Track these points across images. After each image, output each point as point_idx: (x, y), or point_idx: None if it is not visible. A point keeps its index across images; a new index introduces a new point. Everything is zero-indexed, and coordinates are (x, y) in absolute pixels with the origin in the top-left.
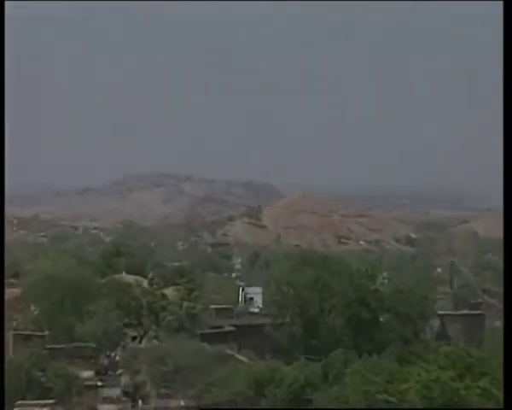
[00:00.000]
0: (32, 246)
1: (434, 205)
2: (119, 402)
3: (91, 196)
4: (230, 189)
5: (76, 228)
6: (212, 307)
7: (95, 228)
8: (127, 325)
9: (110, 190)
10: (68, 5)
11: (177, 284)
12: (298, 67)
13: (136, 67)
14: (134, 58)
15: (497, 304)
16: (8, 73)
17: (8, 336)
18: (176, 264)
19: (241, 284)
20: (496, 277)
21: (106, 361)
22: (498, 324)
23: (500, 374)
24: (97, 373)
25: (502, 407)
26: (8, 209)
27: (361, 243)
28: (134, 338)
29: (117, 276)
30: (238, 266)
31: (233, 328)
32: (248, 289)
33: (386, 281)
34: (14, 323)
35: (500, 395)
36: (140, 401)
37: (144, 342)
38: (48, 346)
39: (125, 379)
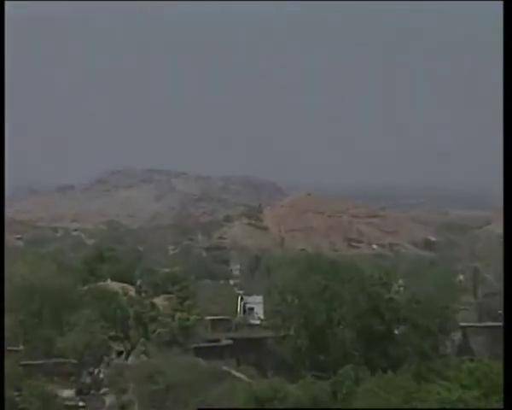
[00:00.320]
0: (6, 250)
1: (454, 204)
2: None
3: (73, 195)
4: (228, 186)
5: (55, 230)
6: (208, 318)
7: (76, 230)
8: (112, 339)
9: (94, 188)
10: (68, 5)
11: (168, 293)
12: (298, 66)
13: (134, 66)
14: (132, 56)
15: None
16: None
17: None
18: (167, 270)
19: (240, 292)
20: None
21: (88, 379)
22: None
23: None
24: (79, 392)
25: None
26: None
27: (373, 246)
28: (120, 353)
29: (101, 283)
30: (236, 273)
31: (231, 342)
32: (248, 299)
33: (401, 289)
34: None
35: None
36: None
37: (131, 357)
38: (23, 362)
39: (109, 399)
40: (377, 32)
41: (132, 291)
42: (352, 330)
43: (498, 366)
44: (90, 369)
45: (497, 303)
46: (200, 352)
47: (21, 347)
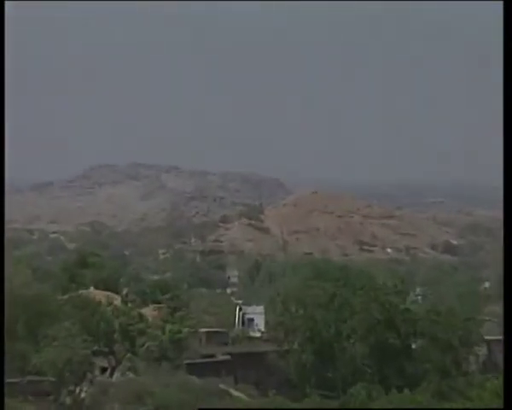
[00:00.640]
0: None
1: (476, 203)
2: None
3: (51, 193)
4: (225, 183)
5: (31, 232)
6: (202, 330)
7: (55, 232)
8: (95, 354)
9: (75, 185)
10: (68, 4)
11: (157, 302)
12: (299, 63)
13: (132, 63)
14: (129, 54)
15: None
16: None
17: None
18: (156, 277)
19: (239, 301)
20: None
21: (68, 399)
22: None
23: None
24: None
25: None
26: None
27: (388, 250)
28: (104, 370)
29: (83, 292)
30: (234, 280)
31: (228, 357)
32: (247, 309)
33: (419, 298)
34: None
35: None
36: None
37: (117, 374)
38: None
39: None
40: (377, 31)
41: (118, 301)
42: (363, 344)
43: None
44: (71, 388)
45: None
46: (193, 368)
47: None
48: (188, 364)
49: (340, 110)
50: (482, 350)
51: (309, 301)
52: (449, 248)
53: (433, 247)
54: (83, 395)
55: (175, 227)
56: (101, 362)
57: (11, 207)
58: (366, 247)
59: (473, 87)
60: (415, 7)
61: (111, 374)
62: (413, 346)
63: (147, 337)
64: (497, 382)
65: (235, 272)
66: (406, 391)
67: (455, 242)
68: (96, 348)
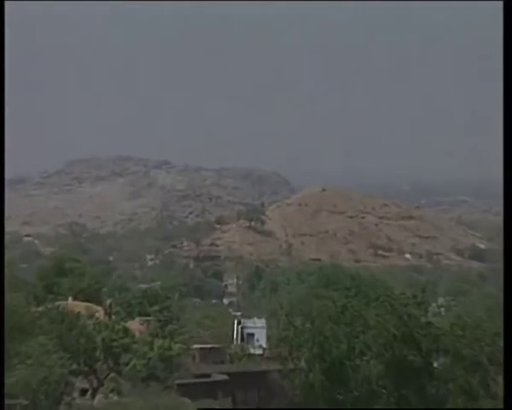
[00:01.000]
0: None
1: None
2: None
3: (24, 191)
4: (222, 180)
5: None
6: (196, 346)
7: (29, 235)
8: (74, 373)
9: (51, 182)
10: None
11: (145, 315)
12: (301, 60)
13: (123, 56)
14: (121, 47)
15: None
16: None
17: None
18: (144, 286)
19: (237, 313)
20: None
21: None
22: None
23: None
24: None
25: None
26: None
27: (407, 255)
28: (84, 392)
29: (60, 303)
30: (232, 289)
31: (225, 377)
32: (247, 322)
33: (442, 310)
34: None
35: None
36: None
37: (99, 396)
38: None
39: None
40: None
41: (100, 313)
42: (378, 362)
43: None
44: None
45: None
46: (186, 390)
47: None
48: (179, 384)
49: (351, 103)
50: None
51: (317, 313)
52: (476, 254)
53: (458, 252)
54: None
55: (165, 229)
56: (80, 383)
57: None
58: (381, 252)
59: (491, 84)
60: (414, 6)
61: (92, 396)
62: (435, 364)
63: (133, 355)
64: None
65: (233, 281)
66: None
67: (482, 246)
68: (75, 366)
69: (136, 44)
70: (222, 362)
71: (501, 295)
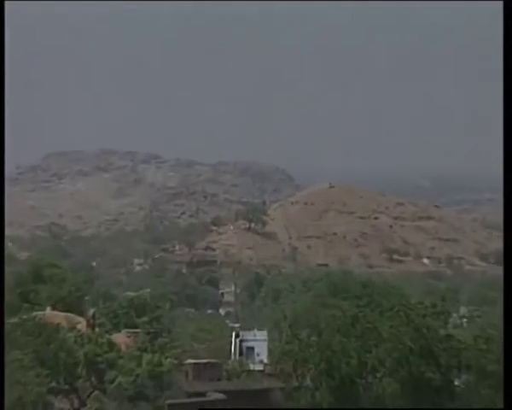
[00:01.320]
0: None
1: None
2: None
3: None
4: (219, 176)
5: None
6: (190, 361)
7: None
8: (53, 392)
9: (27, 178)
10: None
11: (132, 327)
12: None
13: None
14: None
15: None
16: None
17: None
18: (131, 294)
19: (235, 325)
20: None
21: None
22: None
23: None
24: None
25: None
26: None
27: (425, 260)
28: None
29: (37, 313)
30: (230, 298)
31: (222, 396)
32: (246, 335)
33: (465, 321)
34: None
35: None
36: None
37: None
38: None
39: None
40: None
41: (82, 324)
42: (393, 379)
43: None
44: None
45: None
46: None
47: None
48: (170, 405)
49: (351, 103)
50: None
51: (324, 324)
52: (502, 259)
53: (482, 256)
54: None
55: (155, 231)
56: (60, 403)
57: None
58: (396, 256)
59: (491, 84)
60: (414, 6)
61: None
62: (456, 382)
63: (119, 371)
64: None
65: (231, 288)
66: None
67: None
68: (53, 384)
69: (136, 44)
70: (218, 379)
71: None
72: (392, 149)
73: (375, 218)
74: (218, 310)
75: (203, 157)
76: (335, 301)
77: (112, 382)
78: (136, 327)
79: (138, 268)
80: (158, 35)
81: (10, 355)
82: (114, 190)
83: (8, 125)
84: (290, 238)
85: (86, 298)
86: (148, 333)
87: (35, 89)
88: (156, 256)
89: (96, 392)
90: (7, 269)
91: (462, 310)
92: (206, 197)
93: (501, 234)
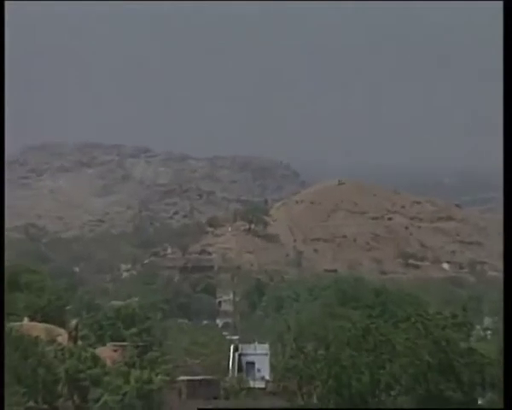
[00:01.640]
0: None
1: None
2: None
3: None
4: (216, 172)
5: None
6: (183, 378)
7: None
8: None
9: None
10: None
11: (119, 340)
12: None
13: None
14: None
15: None
16: None
17: None
18: (118, 303)
19: (234, 337)
20: None
21: None
22: None
23: None
24: None
25: None
26: None
27: (444, 265)
28: None
29: (13, 325)
30: (227, 307)
31: None
32: (246, 348)
33: (489, 334)
34: None
35: None
36: None
37: None
38: None
39: None
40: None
41: (63, 337)
42: (409, 397)
43: None
44: None
45: None
46: None
47: None
48: None
49: (351, 103)
50: None
51: (332, 337)
52: None
53: None
54: None
55: (144, 233)
56: None
57: None
58: (413, 261)
59: (491, 84)
60: (413, 6)
61: None
62: (480, 401)
63: (104, 389)
64: None
65: (229, 297)
66: None
67: None
68: (31, 404)
69: (136, 44)
70: (215, 398)
71: None
72: (402, 143)
73: (389, 218)
74: (214, 321)
75: (198, 151)
76: (345, 311)
77: (96, 401)
78: (124, 340)
79: (126, 274)
80: (158, 35)
81: None
82: (99, 187)
83: (9, 125)
84: (295, 241)
85: (68, 308)
86: (137, 347)
87: (35, 89)
88: (146, 261)
89: None
90: None
91: (486, 321)
92: (201, 195)
93: None
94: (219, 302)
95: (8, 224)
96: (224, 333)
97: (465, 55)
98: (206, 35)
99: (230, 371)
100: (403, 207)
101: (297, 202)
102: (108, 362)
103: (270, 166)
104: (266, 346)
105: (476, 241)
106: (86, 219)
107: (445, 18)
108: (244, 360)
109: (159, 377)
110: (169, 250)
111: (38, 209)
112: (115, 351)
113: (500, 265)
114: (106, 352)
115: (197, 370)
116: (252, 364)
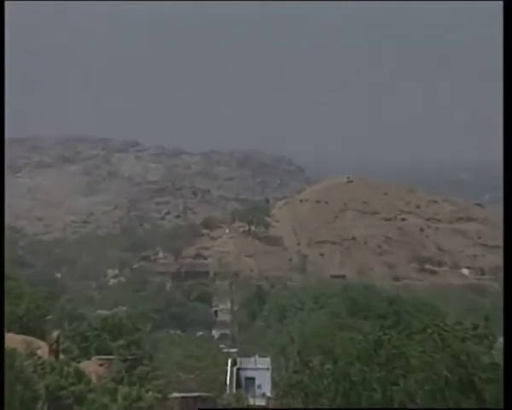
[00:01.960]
0: None
1: None
2: None
3: None
4: (213, 168)
5: None
6: (176, 395)
7: None
8: None
9: None
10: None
11: (106, 353)
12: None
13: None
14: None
15: None
16: None
17: None
18: (104, 312)
19: (231, 350)
20: None
21: None
22: None
23: None
24: None
25: None
26: None
27: (464, 271)
28: None
29: None
30: (225, 317)
31: None
32: (245, 362)
33: None
34: None
35: None
36: None
37: None
38: None
39: None
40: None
41: (43, 350)
42: None
43: None
44: None
45: None
46: None
47: None
48: None
49: (351, 103)
50: None
51: (341, 350)
52: None
53: None
54: None
55: (133, 235)
56: None
57: None
58: (429, 266)
59: (491, 84)
60: (414, 6)
61: None
62: None
63: (88, 407)
64: None
65: (227, 306)
66: None
67: None
68: None
69: (136, 44)
70: None
71: None
72: (406, 140)
73: (403, 219)
74: (210, 332)
75: (193, 145)
76: (354, 322)
77: None
78: (110, 353)
79: (113, 281)
80: (158, 35)
81: None
82: (83, 184)
83: (8, 125)
84: (299, 244)
85: (48, 318)
86: (125, 360)
87: (35, 89)
88: (135, 266)
89: None
90: None
91: None
92: (195, 194)
93: None
94: (216, 312)
95: None
96: (221, 345)
97: (465, 55)
98: (206, 35)
99: (228, 388)
100: (418, 206)
101: (301, 201)
102: (93, 378)
103: (272, 161)
104: (267, 360)
105: (499, 244)
106: (69, 220)
107: (445, 18)
108: (243, 375)
109: (149, 394)
110: (160, 254)
111: (15, 209)
112: (101, 365)
113: None
114: (91, 366)
115: (191, 386)
116: (252, 379)
